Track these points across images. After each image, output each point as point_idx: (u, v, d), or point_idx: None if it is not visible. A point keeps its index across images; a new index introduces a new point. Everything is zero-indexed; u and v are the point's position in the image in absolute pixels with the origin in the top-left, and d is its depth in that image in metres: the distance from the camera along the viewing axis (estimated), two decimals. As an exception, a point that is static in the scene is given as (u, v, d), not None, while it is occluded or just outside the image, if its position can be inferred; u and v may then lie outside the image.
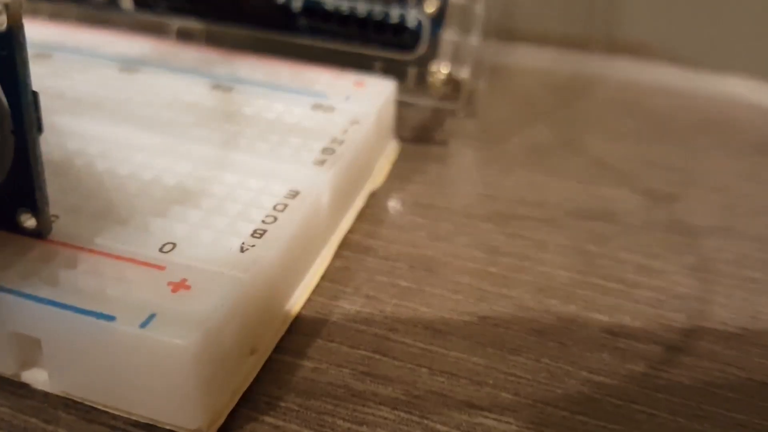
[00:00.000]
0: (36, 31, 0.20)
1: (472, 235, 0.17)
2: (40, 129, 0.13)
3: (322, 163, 0.16)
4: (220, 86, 0.18)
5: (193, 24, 0.20)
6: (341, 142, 0.16)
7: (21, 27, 0.12)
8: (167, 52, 0.19)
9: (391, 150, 0.19)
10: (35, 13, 0.22)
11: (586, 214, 0.18)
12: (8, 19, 0.11)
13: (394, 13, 0.20)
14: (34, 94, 0.12)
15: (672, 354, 0.14)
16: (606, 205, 0.18)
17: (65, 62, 0.19)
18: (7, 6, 0.11)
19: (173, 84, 0.18)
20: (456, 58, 0.20)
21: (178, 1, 0.20)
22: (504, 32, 0.24)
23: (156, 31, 0.21)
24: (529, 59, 0.24)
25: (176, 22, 0.21)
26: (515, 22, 0.24)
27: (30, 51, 0.19)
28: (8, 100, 0.12)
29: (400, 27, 0.19)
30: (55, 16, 0.22)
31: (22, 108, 0.12)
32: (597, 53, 0.24)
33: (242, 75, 0.19)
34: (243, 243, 0.13)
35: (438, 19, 0.20)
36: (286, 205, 0.14)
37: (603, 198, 0.18)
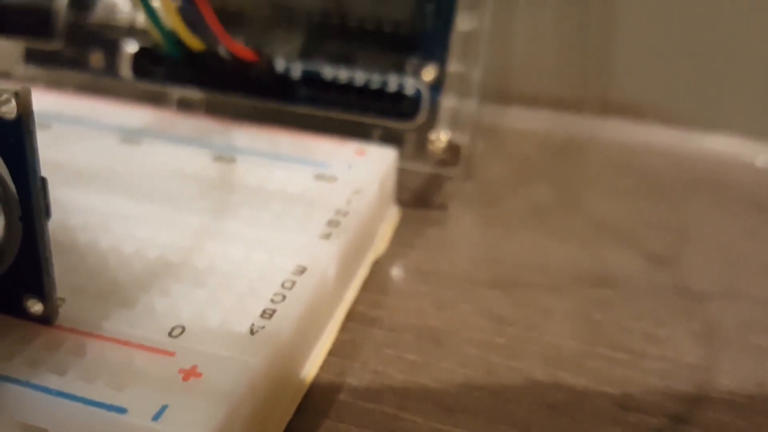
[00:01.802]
0: (34, 100, 0.20)
1: (476, 303, 0.17)
2: (48, 214, 0.12)
3: (327, 236, 0.16)
4: (222, 157, 0.18)
5: (193, 93, 0.21)
6: (345, 214, 0.16)
7: (30, 114, 0.12)
8: (168, 121, 0.19)
9: (392, 215, 0.19)
10: (33, 80, 0.22)
11: (590, 279, 0.18)
12: (18, 107, 0.11)
13: (393, 82, 0.20)
14: (43, 180, 0.12)
15: (682, 427, 0.14)
16: (608, 269, 0.18)
17: (65, 133, 0.19)
18: (17, 94, 0.11)
19: (175, 155, 0.18)
20: (454, 124, 0.20)
21: (178, 69, 0.20)
22: (499, 94, 0.24)
23: (156, 100, 0.21)
24: (525, 121, 0.24)
25: (176, 92, 0.21)
26: (510, 85, 0.24)
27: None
28: (16, 186, 0.12)
29: (399, 96, 0.20)
30: (53, 84, 0.22)
31: (31, 195, 0.12)
32: (590, 114, 0.24)
33: (244, 145, 0.19)
34: (252, 324, 0.13)
35: (436, 87, 0.20)
36: (294, 282, 0.14)
37: (605, 261, 0.18)
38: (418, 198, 0.21)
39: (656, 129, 0.24)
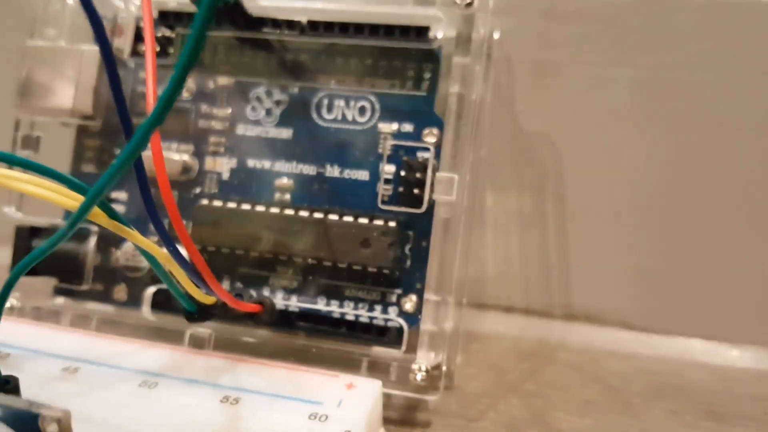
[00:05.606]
0: (62, 342, 0.23)
1: None
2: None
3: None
4: (228, 398, 0.21)
5: (204, 330, 0.23)
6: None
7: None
8: (181, 361, 0.22)
9: (379, 439, 0.22)
10: (61, 312, 0.25)
11: None
12: (60, 430, 0.14)
13: (377, 315, 0.23)
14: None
15: None
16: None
17: (91, 378, 0.21)
18: (59, 420, 0.14)
19: (186, 399, 0.21)
20: (434, 346, 0.23)
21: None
22: (476, 303, 0.27)
23: (171, 337, 0.23)
24: (498, 326, 0.27)
25: (189, 328, 0.24)
26: (485, 294, 0.27)
27: (59, 364, 0.21)
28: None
29: (384, 328, 0.22)
30: (78, 320, 0.25)
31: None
32: (558, 320, 0.27)
33: (247, 384, 0.21)
34: None
35: (416, 316, 0.23)
36: None
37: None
38: (402, 415, 0.23)
39: (618, 333, 0.26)
